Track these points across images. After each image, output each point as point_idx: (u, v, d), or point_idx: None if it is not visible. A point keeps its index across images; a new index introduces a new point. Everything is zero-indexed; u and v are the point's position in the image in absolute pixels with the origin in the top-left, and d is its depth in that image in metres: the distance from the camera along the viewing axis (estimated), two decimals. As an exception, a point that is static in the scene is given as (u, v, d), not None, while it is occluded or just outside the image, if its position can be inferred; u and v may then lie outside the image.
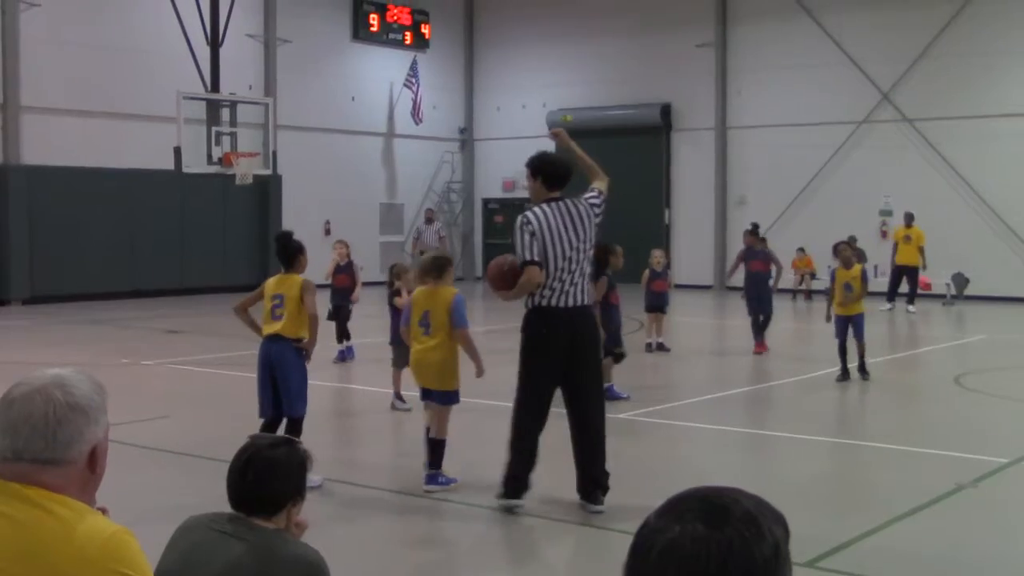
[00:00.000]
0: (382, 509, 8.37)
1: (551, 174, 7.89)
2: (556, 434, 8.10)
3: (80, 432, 2.53)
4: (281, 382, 8.50)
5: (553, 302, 7.69)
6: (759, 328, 17.25)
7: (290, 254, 8.73)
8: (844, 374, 14.15)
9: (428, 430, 8.53)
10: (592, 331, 7.99)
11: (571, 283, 7.70)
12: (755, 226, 18.83)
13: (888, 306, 23.78)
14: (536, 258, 7.64)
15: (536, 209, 7.79)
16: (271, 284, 8.73)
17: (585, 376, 7.83)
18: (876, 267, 27.21)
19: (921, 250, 24.31)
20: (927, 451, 10.10)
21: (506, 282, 7.85)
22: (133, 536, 2.51)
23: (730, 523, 1.58)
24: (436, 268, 8.52)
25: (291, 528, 3.52)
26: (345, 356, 15.50)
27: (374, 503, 8.47)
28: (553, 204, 7.78)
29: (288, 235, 9.00)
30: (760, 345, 17.10)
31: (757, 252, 17.97)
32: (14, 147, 24.39)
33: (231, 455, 3.58)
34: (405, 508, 8.28)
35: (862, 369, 14.21)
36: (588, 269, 7.87)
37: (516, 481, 7.85)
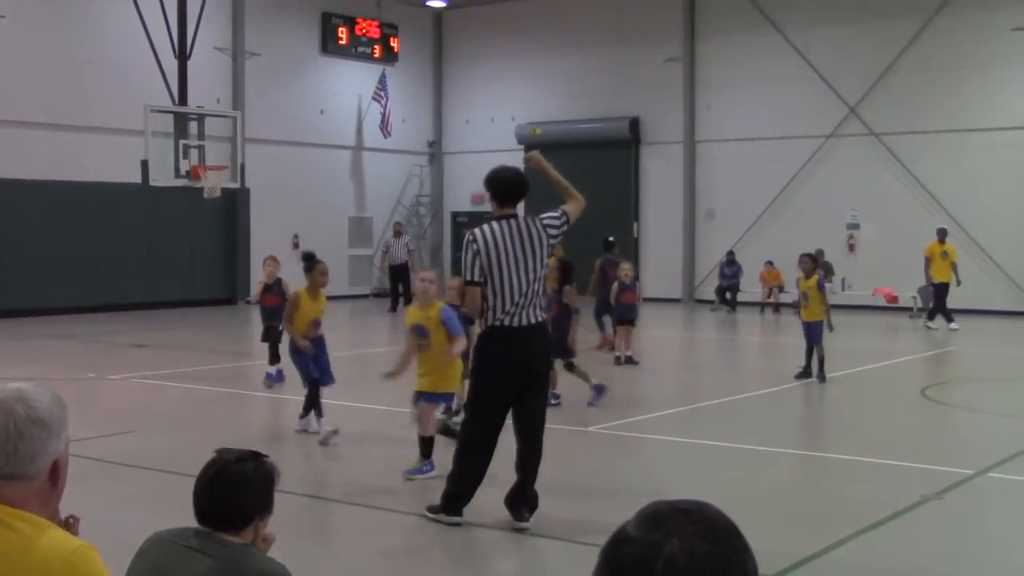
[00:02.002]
0: (350, 523, 8.34)
1: (500, 191, 7.86)
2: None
3: (42, 446, 2.52)
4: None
5: (507, 322, 7.63)
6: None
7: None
8: (805, 372, 15.25)
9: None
10: (546, 349, 7.99)
11: (526, 302, 7.64)
12: (610, 241, 20.19)
13: (952, 325, 22.70)
14: (476, 278, 7.62)
15: (485, 227, 7.74)
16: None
17: (537, 394, 7.82)
18: (844, 280, 27.43)
19: (954, 266, 23.33)
20: (892, 463, 10.16)
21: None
22: (96, 551, 2.49)
23: (727, 538, 1.60)
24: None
25: (258, 543, 3.50)
26: (272, 380, 14.60)
27: (340, 517, 8.43)
28: (504, 222, 7.72)
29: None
30: (605, 338, 18.47)
31: (615, 262, 18.89)
32: (-21, 160, 24.17)
33: (197, 469, 3.56)
34: (373, 522, 8.25)
35: (820, 374, 15.11)
36: (540, 288, 7.81)
37: (460, 499, 7.82)
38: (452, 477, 7.87)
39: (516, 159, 34.31)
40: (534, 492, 7.86)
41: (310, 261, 11.75)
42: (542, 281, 7.84)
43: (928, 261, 23.58)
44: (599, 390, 13.07)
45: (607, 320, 18.86)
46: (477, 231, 7.72)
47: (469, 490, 7.83)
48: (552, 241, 7.82)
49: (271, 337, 14.71)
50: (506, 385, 7.68)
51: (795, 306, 26.48)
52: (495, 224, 7.72)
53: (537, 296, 7.75)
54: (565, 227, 7.90)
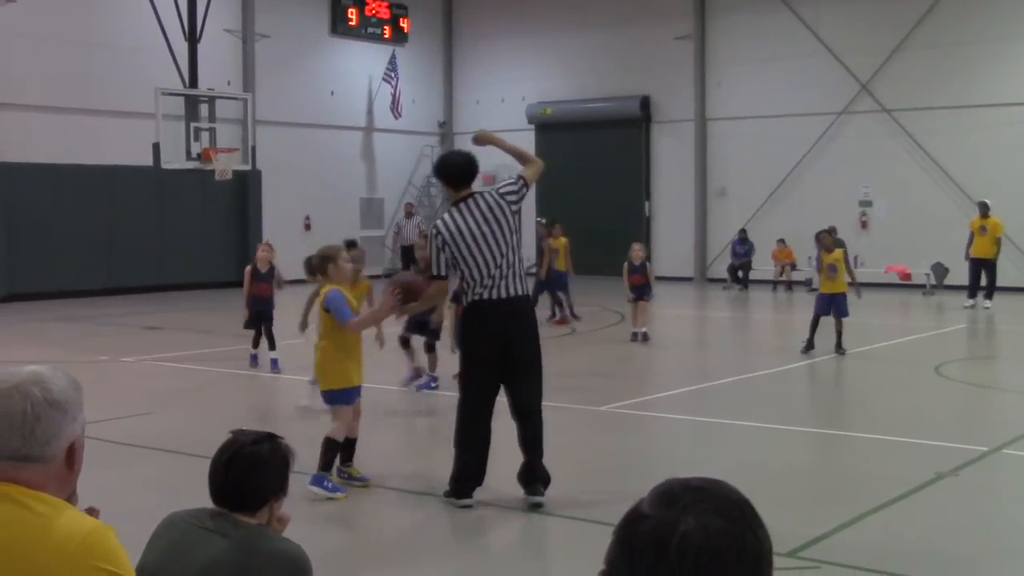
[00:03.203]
0: (363, 502, 8.36)
1: (450, 175, 7.97)
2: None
3: (59, 429, 2.53)
4: None
5: (485, 295, 7.69)
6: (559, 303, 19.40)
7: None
8: (809, 345, 15.47)
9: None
10: (529, 319, 7.92)
11: (501, 276, 7.68)
12: (549, 220, 20.60)
13: (970, 303, 22.40)
14: (442, 272, 7.74)
15: (446, 216, 7.82)
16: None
17: (527, 369, 7.80)
18: (856, 257, 27.32)
19: (997, 241, 22.72)
20: (907, 440, 10.15)
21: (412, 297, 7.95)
22: (113, 532, 2.50)
23: (742, 515, 1.60)
24: (309, 269, 8.63)
25: (273, 523, 3.52)
26: (256, 360, 14.50)
27: (354, 497, 8.46)
28: (463, 204, 7.80)
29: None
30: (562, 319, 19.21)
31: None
32: (-9, 144, 24.23)
33: (213, 451, 3.57)
34: (389, 502, 8.27)
35: (839, 346, 15.34)
36: (517, 258, 7.80)
37: (468, 482, 7.80)
38: (456, 460, 7.85)
39: (527, 138, 34.38)
40: (544, 468, 7.84)
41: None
42: (516, 251, 7.82)
43: (971, 235, 23.02)
44: (417, 374, 12.82)
45: (562, 297, 19.09)
46: (439, 223, 7.81)
47: (476, 471, 7.79)
48: (513, 208, 7.85)
49: (259, 323, 14.35)
50: (489, 357, 7.70)
51: (808, 284, 26.66)
52: (454, 211, 7.81)
53: (514, 267, 7.75)
54: (524, 191, 7.94)
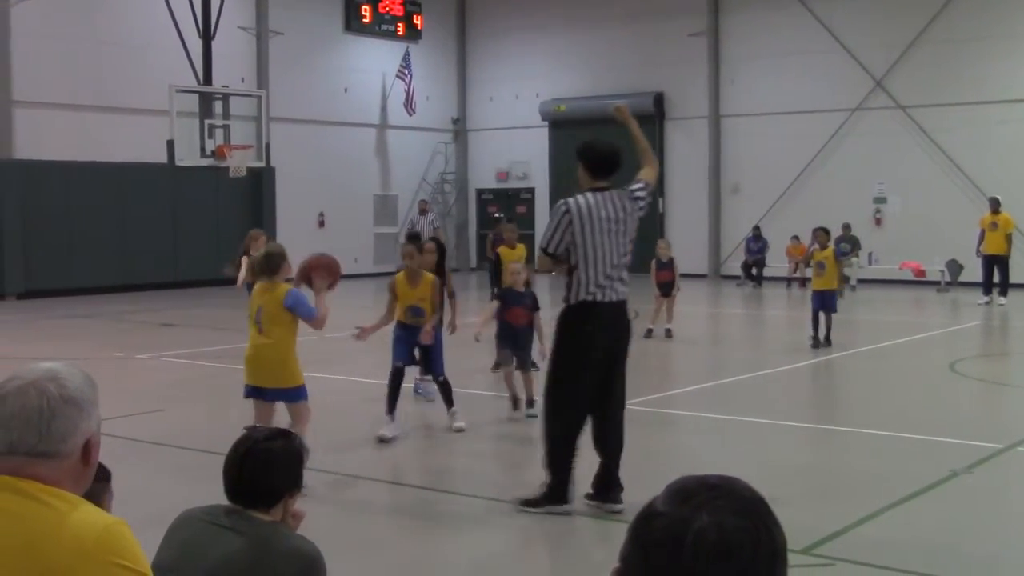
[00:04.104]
0: (376, 500, 8.37)
1: (594, 161, 7.52)
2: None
3: (75, 425, 2.54)
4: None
5: (598, 297, 7.32)
6: None
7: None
8: (815, 341, 15.89)
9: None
10: (629, 326, 7.60)
11: (616, 277, 7.36)
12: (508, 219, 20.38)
13: (985, 299, 22.37)
14: (553, 249, 7.36)
15: (579, 197, 7.39)
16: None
17: (618, 373, 7.55)
18: (871, 254, 27.27)
19: (1008, 237, 22.70)
20: (921, 438, 10.11)
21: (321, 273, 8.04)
22: (128, 528, 2.51)
23: (756, 512, 1.60)
24: (269, 266, 8.12)
25: (287, 520, 3.52)
26: None
27: (367, 494, 8.47)
28: (599, 194, 7.41)
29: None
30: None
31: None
32: (7, 142, 24.32)
33: (227, 448, 3.58)
34: (403, 500, 8.28)
35: (827, 339, 15.88)
36: (627, 263, 7.48)
37: (565, 487, 7.50)
38: (551, 467, 7.52)
39: (540, 136, 34.37)
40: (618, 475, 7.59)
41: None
42: (629, 257, 7.49)
43: (982, 232, 23.00)
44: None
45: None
46: (571, 200, 7.37)
47: (569, 477, 7.52)
48: (640, 213, 7.51)
49: None
50: (594, 363, 7.37)
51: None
52: (590, 195, 7.39)
53: (624, 272, 7.45)
54: (649, 197, 7.61)
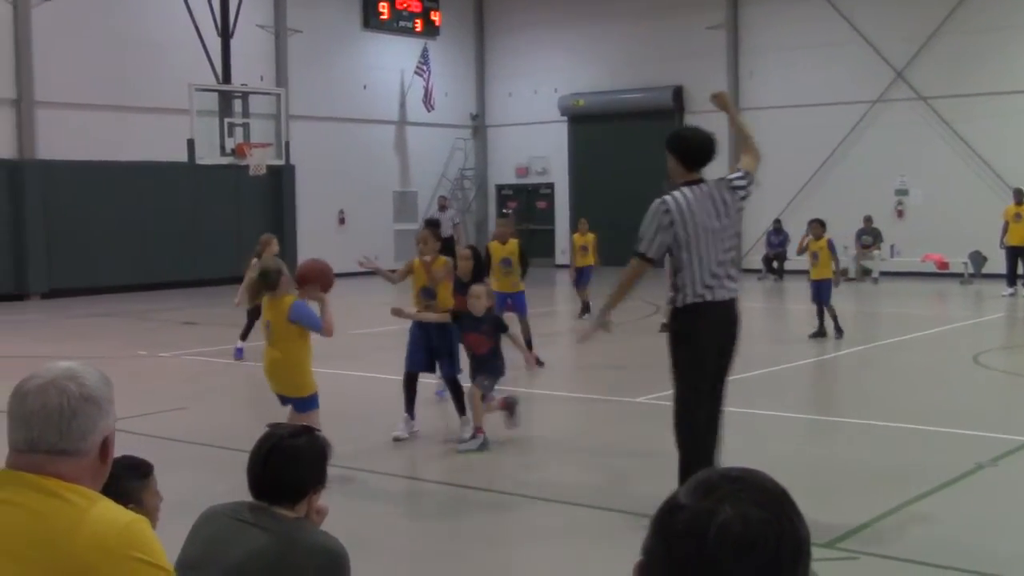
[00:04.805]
0: (397, 495, 8.38)
1: (688, 152, 7.06)
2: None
3: (94, 423, 2.56)
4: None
5: (709, 296, 6.95)
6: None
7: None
8: (820, 332, 16.10)
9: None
10: (739, 325, 7.25)
11: (723, 274, 6.98)
12: (507, 213, 19.96)
13: (1009, 291, 22.22)
14: (652, 254, 6.92)
15: (677, 194, 6.92)
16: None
17: (726, 375, 7.24)
18: (893, 246, 27.15)
19: None
20: (946, 430, 10.06)
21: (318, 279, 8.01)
22: (148, 524, 2.54)
23: (779, 505, 1.59)
24: (267, 284, 8.16)
25: (311, 516, 3.53)
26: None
27: (390, 490, 8.49)
28: (695, 187, 6.97)
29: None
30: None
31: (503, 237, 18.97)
32: (29, 142, 24.47)
33: (250, 445, 3.59)
34: (426, 496, 8.30)
35: (836, 330, 16.03)
36: (734, 258, 7.15)
37: None
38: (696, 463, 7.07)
39: (559, 131, 34.33)
40: None
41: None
42: (735, 252, 7.18)
43: (1006, 224, 22.89)
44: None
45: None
46: (670, 198, 6.89)
47: None
48: (741, 204, 7.10)
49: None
50: (713, 364, 7.05)
51: (844, 273, 26.47)
52: (687, 190, 6.94)
53: (731, 268, 7.07)
54: (751, 186, 7.18)
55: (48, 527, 2.44)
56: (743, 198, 7.10)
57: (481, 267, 11.57)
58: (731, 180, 7.11)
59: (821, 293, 16.22)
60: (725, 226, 6.98)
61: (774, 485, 1.63)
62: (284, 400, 8.35)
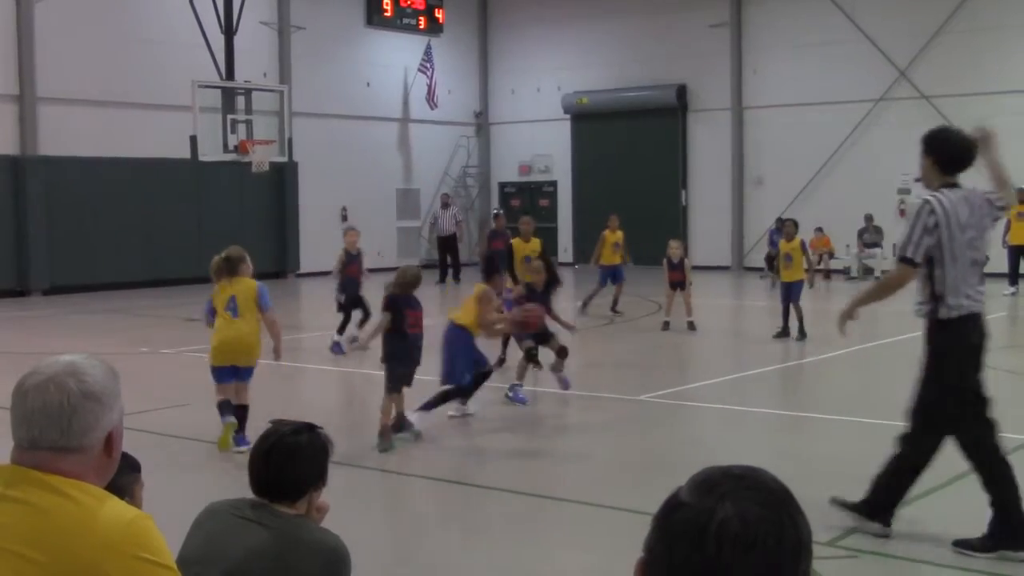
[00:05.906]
0: (397, 492, 8.39)
1: (947, 155, 6.70)
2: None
3: (96, 420, 2.55)
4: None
5: (976, 309, 6.66)
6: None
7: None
8: (783, 332, 16.12)
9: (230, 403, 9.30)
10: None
11: (980, 283, 6.70)
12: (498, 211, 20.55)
13: (1011, 290, 22.21)
14: (917, 258, 6.54)
15: (941, 196, 6.53)
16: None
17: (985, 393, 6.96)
18: (895, 245, 27.09)
19: None
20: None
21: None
22: (153, 521, 2.53)
23: (781, 503, 1.60)
24: (229, 268, 9.61)
25: (312, 513, 3.54)
26: (340, 348, 14.63)
27: (390, 487, 8.49)
28: (955, 191, 6.60)
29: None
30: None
31: (500, 233, 19.41)
32: (31, 138, 24.48)
33: (252, 441, 3.59)
34: (428, 493, 8.30)
35: (800, 331, 16.00)
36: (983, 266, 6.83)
37: (894, 508, 6.92)
38: (888, 487, 6.97)
39: (563, 128, 34.24)
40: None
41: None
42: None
43: (1008, 223, 22.80)
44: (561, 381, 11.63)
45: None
46: (933, 200, 6.52)
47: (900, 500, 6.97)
48: (991, 220, 6.77)
49: (353, 307, 14.98)
50: (976, 382, 6.78)
51: (846, 272, 26.55)
52: (950, 193, 6.57)
53: (983, 279, 6.78)
54: (1001, 213, 6.88)
55: (52, 525, 2.44)
56: (997, 217, 6.85)
57: (555, 277, 12.21)
58: (989, 194, 6.80)
59: (791, 294, 16.28)
60: (984, 237, 6.76)
61: (776, 483, 1.64)
62: (232, 373, 9.35)
